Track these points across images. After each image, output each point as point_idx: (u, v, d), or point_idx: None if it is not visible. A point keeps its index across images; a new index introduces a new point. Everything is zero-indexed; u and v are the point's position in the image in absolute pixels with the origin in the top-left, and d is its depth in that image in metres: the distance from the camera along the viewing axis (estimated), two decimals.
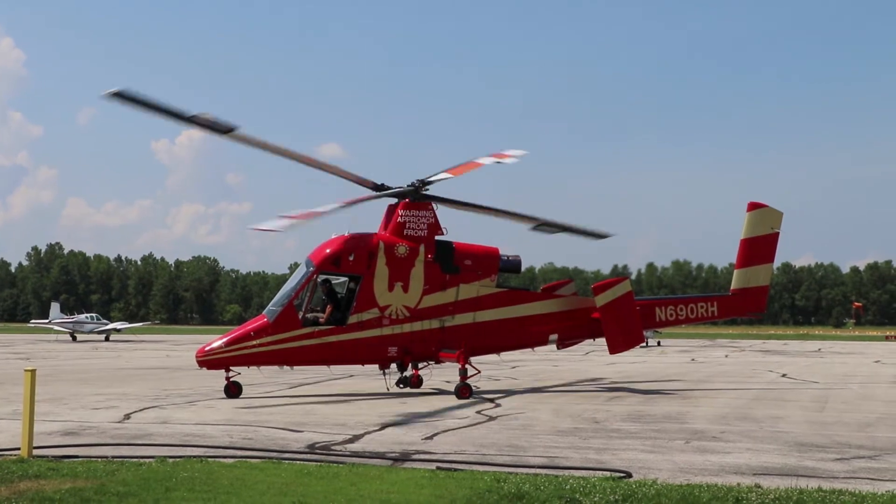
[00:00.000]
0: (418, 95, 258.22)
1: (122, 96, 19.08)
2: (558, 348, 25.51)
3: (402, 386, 23.35)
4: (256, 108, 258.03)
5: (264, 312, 22.34)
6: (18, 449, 11.74)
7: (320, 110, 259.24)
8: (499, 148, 24.46)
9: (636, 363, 39.82)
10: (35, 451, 11.65)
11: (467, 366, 21.64)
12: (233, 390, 21.14)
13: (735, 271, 25.96)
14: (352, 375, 28.15)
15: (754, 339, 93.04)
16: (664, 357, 48.15)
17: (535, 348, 25.32)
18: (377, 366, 23.07)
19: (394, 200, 23.12)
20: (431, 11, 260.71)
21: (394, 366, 23.09)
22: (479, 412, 18.04)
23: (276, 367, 22.97)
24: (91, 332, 74.74)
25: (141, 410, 17.91)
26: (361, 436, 14.32)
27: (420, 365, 23.56)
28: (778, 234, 25.74)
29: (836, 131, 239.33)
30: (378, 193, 22.82)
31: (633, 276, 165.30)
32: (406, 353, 22.51)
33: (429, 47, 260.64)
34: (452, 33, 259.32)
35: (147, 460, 11.26)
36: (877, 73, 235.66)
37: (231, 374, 21.38)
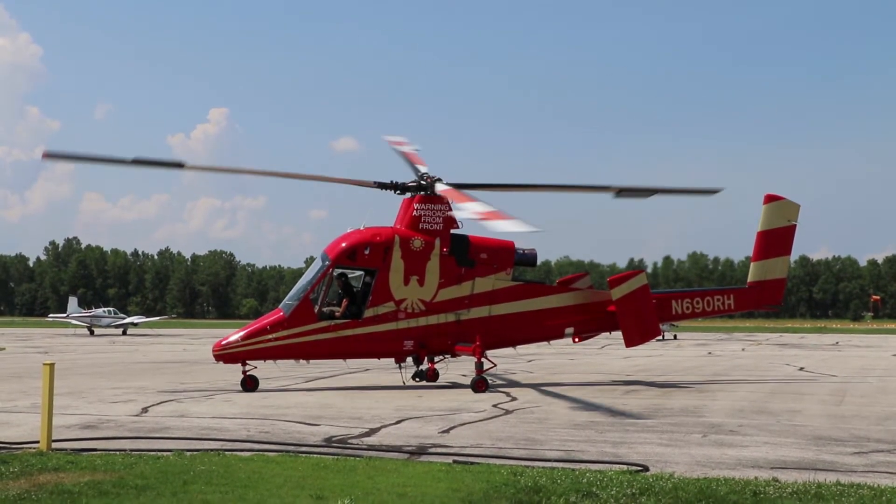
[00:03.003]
0: (432, 90, 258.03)
1: (55, 156, 22.67)
2: (574, 342, 25.48)
3: (418, 379, 23.38)
4: (271, 103, 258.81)
5: (280, 306, 22.41)
6: (37, 442, 11.83)
7: (336, 105, 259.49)
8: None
9: (652, 356, 39.72)
10: (54, 445, 11.74)
11: (483, 359, 21.64)
12: (249, 384, 21.20)
13: (752, 264, 25.88)
14: (367, 369, 28.19)
15: (771, 333, 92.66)
16: (680, 350, 48.02)
17: (551, 342, 25.29)
18: (393, 359, 23.11)
19: (408, 194, 23.14)
20: (446, 7, 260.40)
21: (410, 359, 23.13)
22: (495, 406, 18.04)
23: (292, 361, 23.01)
24: (108, 326, 75.13)
25: (158, 404, 18.00)
26: (378, 429, 14.35)
27: (436, 358, 23.59)
28: (795, 226, 25.62)
29: (852, 123, 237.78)
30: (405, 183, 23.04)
31: (649, 269, 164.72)
32: (422, 346, 22.52)
33: (442, 42, 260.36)
34: (465, 28, 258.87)
35: (165, 453, 11.31)
36: (894, 66, 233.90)
37: (248, 367, 21.44)
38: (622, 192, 23.08)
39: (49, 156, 22.08)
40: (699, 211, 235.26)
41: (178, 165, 22.50)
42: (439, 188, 22.59)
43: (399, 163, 24.43)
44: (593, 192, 24.18)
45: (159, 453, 11.35)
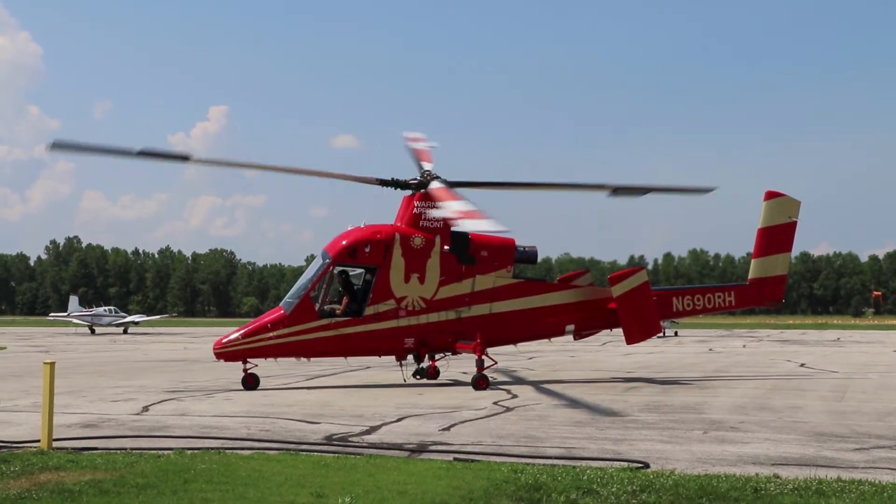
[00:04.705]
0: (432, 86, 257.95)
1: (62, 147, 21.77)
2: (575, 339, 25.46)
3: (418, 377, 23.37)
4: (271, 101, 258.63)
5: (281, 304, 22.40)
6: (38, 441, 11.82)
7: (335, 102, 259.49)
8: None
9: (653, 353, 39.71)
10: (55, 444, 11.74)
11: (484, 357, 21.62)
12: (250, 382, 21.20)
13: (752, 261, 25.86)
14: (368, 367, 28.18)
15: (772, 329, 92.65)
16: (681, 347, 48.00)
17: (552, 339, 25.28)
18: (394, 357, 23.10)
19: (409, 192, 23.11)
20: (445, 3, 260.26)
21: (410, 357, 23.12)
22: (495, 403, 18.03)
23: (293, 359, 23.01)
24: (109, 324, 75.22)
25: (159, 403, 17.99)
26: (379, 427, 14.34)
27: (437, 356, 23.58)
28: (796, 222, 25.60)
29: (853, 118, 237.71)
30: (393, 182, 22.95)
31: (650, 266, 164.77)
32: (422, 344, 22.51)
33: (442, 39, 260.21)
34: (465, 25, 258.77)
35: (165, 452, 11.31)
36: (894, 61, 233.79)
37: (248, 366, 21.44)
38: (617, 190, 23.03)
39: (56, 146, 21.40)
40: (700, 208, 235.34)
41: (184, 158, 23.20)
42: (433, 186, 22.53)
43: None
44: (588, 190, 24.17)
45: (160, 452, 11.34)
